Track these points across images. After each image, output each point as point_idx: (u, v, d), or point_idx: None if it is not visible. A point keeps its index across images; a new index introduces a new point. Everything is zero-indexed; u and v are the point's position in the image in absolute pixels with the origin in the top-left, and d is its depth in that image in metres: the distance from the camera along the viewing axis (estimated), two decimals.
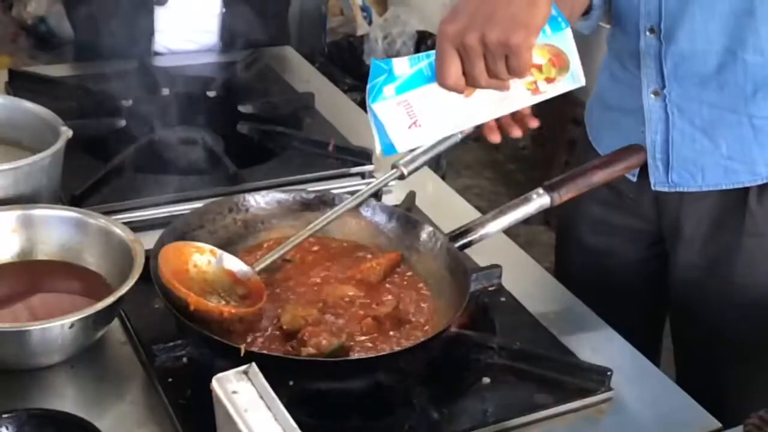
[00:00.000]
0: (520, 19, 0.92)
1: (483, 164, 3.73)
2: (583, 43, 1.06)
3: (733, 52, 1.22)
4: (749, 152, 1.27)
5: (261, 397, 0.83)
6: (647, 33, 1.28)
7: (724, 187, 1.30)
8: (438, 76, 0.98)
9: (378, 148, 1.04)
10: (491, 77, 0.97)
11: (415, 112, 1.01)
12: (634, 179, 1.37)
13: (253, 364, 0.87)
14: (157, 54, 1.83)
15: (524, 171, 3.68)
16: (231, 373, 0.85)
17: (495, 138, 1.13)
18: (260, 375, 0.85)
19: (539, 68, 1.01)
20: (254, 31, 1.91)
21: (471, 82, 0.98)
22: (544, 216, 3.15)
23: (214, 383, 0.85)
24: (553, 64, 1.01)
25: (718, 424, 1.08)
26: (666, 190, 1.34)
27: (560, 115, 3.34)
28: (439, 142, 1.32)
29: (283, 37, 2.00)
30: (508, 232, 1.37)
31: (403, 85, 1.01)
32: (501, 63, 0.95)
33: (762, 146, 1.27)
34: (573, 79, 1.03)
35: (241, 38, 1.90)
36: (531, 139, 3.87)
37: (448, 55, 0.96)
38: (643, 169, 1.35)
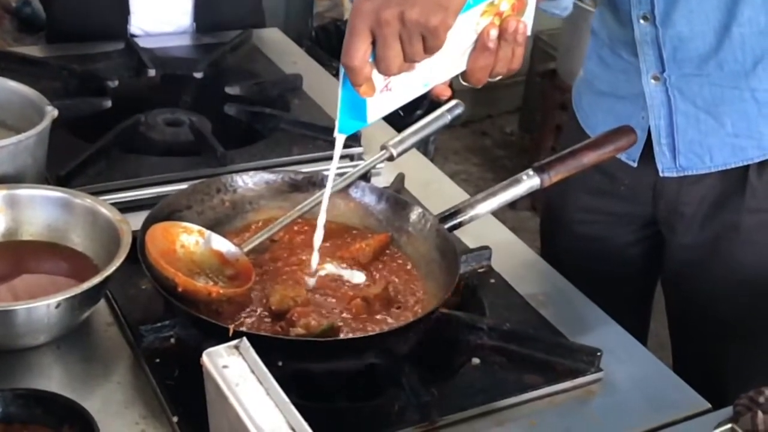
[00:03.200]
0: (439, 0, 0.88)
1: (471, 150, 3.73)
2: (569, 26, 1.05)
3: (730, 27, 1.22)
4: (755, 127, 1.27)
5: (252, 372, 0.82)
6: (641, 21, 1.27)
7: (732, 166, 1.30)
8: (343, 55, 0.89)
9: (337, 126, 0.98)
10: (406, 60, 0.91)
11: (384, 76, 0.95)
12: (635, 165, 1.36)
13: (244, 338, 0.86)
14: (133, 36, 1.82)
15: (512, 157, 3.68)
16: (222, 347, 0.85)
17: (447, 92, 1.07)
18: (251, 350, 0.84)
19: (500, 15, 0.97)
20: (228, 12, 1.90)
21: (383, 67, 0.91)
22: (531, 202, 3.16)
23: (205, 358, 0.84)
24: (513, 8, 0.98)
25: (707, 405, 1.09)
26: (674, 175, 1.33)
27: (548, 101, 3.34)
28: (428, 124, 1.32)
29: (258, 19, 1.99)
30: (495, 217, 1.37)
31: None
32: (418, 43, 0.90)
33: (767, 119, 1.26)
34: (529, 18, 1.00)
35: (214, 19, 1.89)
36: (519, 125, 3.88)
37: (360, 33, 0.89)
38: (644, 155, 1.34)
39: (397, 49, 0.90)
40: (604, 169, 1.36)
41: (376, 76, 0.94)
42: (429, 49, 0.91)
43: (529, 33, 0.98)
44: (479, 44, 0.96)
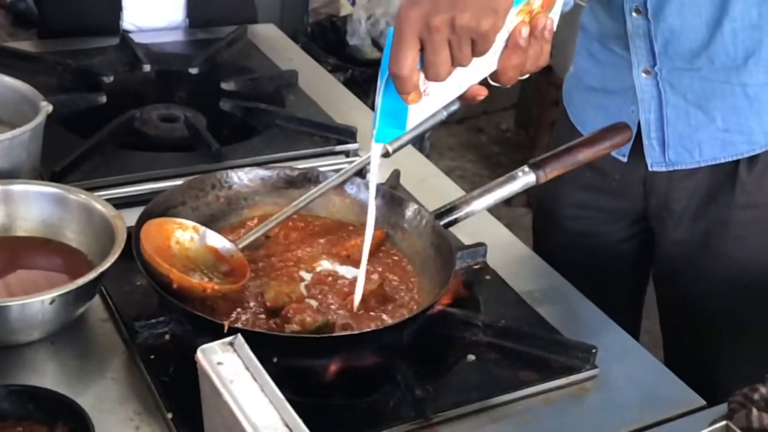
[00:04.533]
0: (488, 4, 0.87)
1: (466, 146, 3.73)
2: (564, 23, 1.04)
3: (721, 21, 1.22)
4: (746, 122, 1.27)
5: (247, 368, 0.82)
6: (633, 14, 1.27)
7: (721, 161, 1.30)
8: (392, 63, 0.87)
9: (375, 135, 0.95)
10: (454, 65, 0.90)
11: (423, 80, 0.92)
12: (625, 159, 1.36)
13: (239, 335, 0.86)
14: (125, 31, 1.81)
15: (507, 153, 3.68)
16: (216, 344, 0.84)
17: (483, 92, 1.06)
18: (246, 346, 0.84)
19: (531, 12, 0.97)
20: (220, 7, 1.90)
21: (432, 73, 0.89)
22: (526, 198, 3.16)
23: (199, 354, 0.84)
24: (543, 6, 0.97)
25: (702, 402, 1.09)
26: (663, 169, 1.34)
27: (543, 98, 3.34)
28: (424, 120, 1.31)
29: (250, 14, 1.99)
30: (491, 214, 1.37)
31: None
32: (468, 48, 0.89)
33: (758, 114, 1.27)
34: (556, 14, 1.00)
35: (207, 14, 1.89)
36: (514, 121, 3.88)
37: (408, 40, 0.87)
38: (634, 150, 1.34)
39: (446, 54, 0.88)
40: (595, 165, 1.36)
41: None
42: (478, 53, 0.90)
43: (555, 29, 0.97)
44: (511, 43, 0.94)
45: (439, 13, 0.86)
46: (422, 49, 0.88)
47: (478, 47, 0.89)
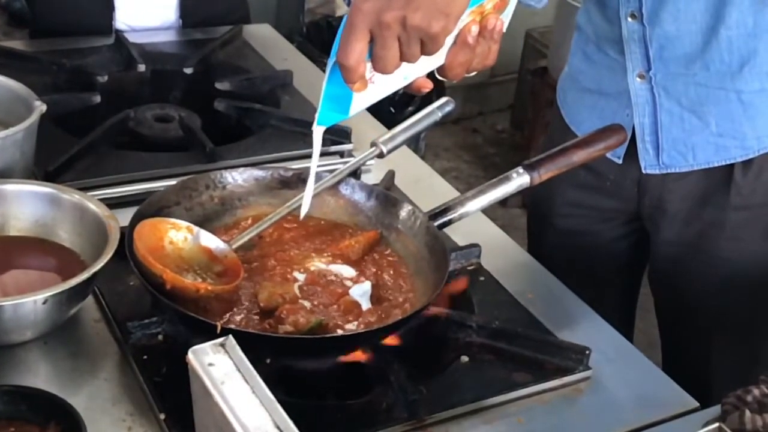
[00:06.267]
0: (441, 7, 0.88)
1: (461, 147, 3.73)
2: (560, 24, 1.04)
3: (717, 29, 1.22)
4: (739, 127, 1.28)
5: (238, 370, 0.82)
6: (628, 18, 1.27)
7: (715, 164, 1.31)
8: (340, 52, 0.88)
9: (317, 119, 0.97)
10: (402, 60, 0.91)
11: (369, 68, 0.94)
12: (619, 161, 1.36)
13: (230, 336, 0.86)
14: (118, 31, 1.81)
15: (503, 154, 3.68)
16: (207, 345, 0.84)
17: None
18: (237, 347, 0.84)
19: (482, 12, 0.97)
20: (213, 6, 1.90)
21: (379, 66, 0.90)
22: (521, 199, 3.16)
23: (190, 355, 0.84)
24: (495, 7, 0.98)
25: (695, 403, 1.09)
26: (657, 172, 1.34)
27: (539, 99, 3.34)
28: (419, 121, 1.32)
29: (243, 13, 1.99)
30: (486, 215, 1.37)
31: None
32: (416, 47, 0.89)
33: (752, 120, 1.27)
34: (507, 16, 1.00)
35: (199, 14, 1.89)
36: (510, 122, 3.88)
37: (358, 32, 0.87)
38: (629, 152, 1.34)
39: (395, 50, 0.89)
40: (590, 165, 1.36)
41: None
42: (426, 53, 0.91)
43: (504, 30, 0.98)
44: (459, 40, 0.95)
45: (392, 9, 0.87)
46: (372, 41, 0.89)
47: (426, 47, 0.90)
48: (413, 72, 0.96)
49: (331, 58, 0.91)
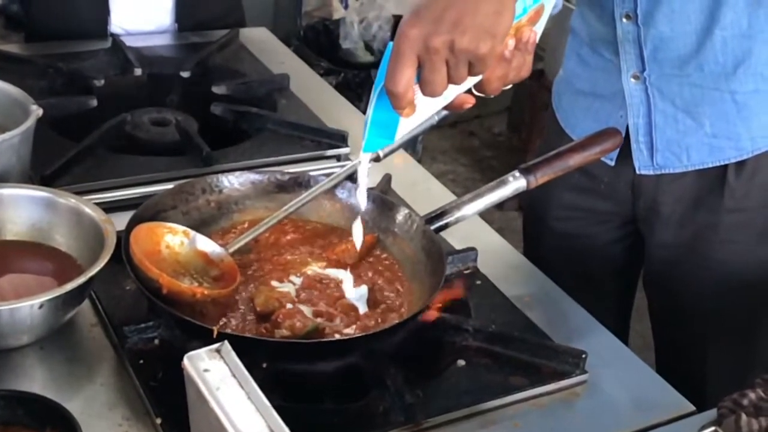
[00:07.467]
0: (488, 28, 0.88)
1: (458, 150, 3.73)
2: (556, 27, 1.04)
3: (712, 30, 1.22)
4: (734, 128, 1.28)
5: (233, 376, 0.82)
6: (623, 19, 1.27)
7: (709, 165, 1.31)
8: (389, 79, 0.89)
9: (364, 145, 0.97)
10: (449, 83, 0.91)
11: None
12: (612, 163, 1.37)
13: (226, 342, 0.86)
14: (114, 35, 1.81)
15: (500, 157, 3.68)
16: (203, 351, 0.84)
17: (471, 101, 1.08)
18: (233, 353, 0.84)
19: (517, 26, 0.98)
20: (208, 10, 1.90)
21: (428, 90, 0.91)
22: (518, 202, 3.16)
23: (186, 361, 0.84)
24: (529, 20, 0.98)
25: (691, 407, 1.09)
26: (651, 173, 1.34)
27: (536, 102, 3.35)
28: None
29: (238, 17, 1.99)
30: (483, 218, 1.37)
31: None
32: (464, 69, 0.90)
33: (746, 120, 1.27)
34: (540, 27, 1.01)
35: (195, 18, 1.89)
36: (507, 125, 3.88)
37: (405, 58, 0.88)
38: (622, 154, 1.35)
39: (443, 74, 0.90)
40: (584, 168, 1.36)
41: None
42: (474, 74, 0.92)
43: (537, 41, 0.99)
44: None
45: (439, 34, 0.87)
46: (419, 66, 0.89)
47: (475, 69, 0.90)
48: (455, 90, 0.97)
49: (376, 85, 0.91)
